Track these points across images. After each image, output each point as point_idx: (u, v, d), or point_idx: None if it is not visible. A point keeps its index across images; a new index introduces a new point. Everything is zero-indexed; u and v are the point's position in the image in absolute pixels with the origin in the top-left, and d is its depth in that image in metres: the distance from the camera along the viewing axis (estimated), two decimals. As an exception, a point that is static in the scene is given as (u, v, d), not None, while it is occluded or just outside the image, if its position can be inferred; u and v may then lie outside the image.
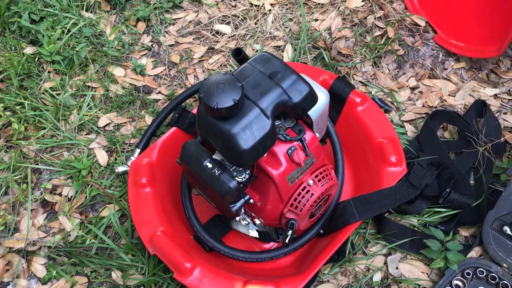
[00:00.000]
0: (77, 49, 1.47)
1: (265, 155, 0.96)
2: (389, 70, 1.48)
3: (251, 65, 0.93)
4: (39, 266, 1.19)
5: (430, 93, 1.43)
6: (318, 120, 1.03)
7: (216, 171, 0.91)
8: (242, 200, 0.96)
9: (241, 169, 0.93)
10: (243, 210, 1.05)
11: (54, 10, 1.57)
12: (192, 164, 0.94)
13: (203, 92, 0.83)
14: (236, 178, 0.92)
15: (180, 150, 0.97)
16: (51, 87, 1.45)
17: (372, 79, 1.46)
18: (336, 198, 1.15)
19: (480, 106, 1.35)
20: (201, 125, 0.90)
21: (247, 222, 1.10)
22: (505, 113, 1.38)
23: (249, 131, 0.85)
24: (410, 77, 1.46)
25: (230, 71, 1.49)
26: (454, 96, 1.42)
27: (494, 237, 1.13)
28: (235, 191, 0.91)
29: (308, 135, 0.98)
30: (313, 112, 0.99)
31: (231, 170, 0.93)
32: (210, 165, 0.92)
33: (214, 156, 0.95)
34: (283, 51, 1.51)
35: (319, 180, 1.01)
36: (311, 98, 0.93)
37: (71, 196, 1.28)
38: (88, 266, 1.17)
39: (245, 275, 1.07)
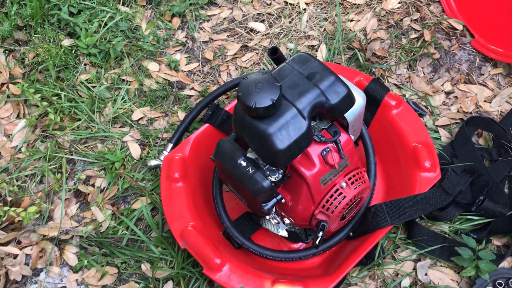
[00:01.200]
0: (113, 42, 1.49)
1: (299, 155, 0.96)
2: (424, 74, 1.46)
3: (289, 65, 0.93)
4: (71, 254, 1.22)
5: (466, 98, 1.41)
6: (353, 123, 1.02)
7: (250, 170, 0.92)
8: (275, 200, 0.96)
9: (274, 168, 0.93)
10: (274, 209, 1.06)
11: (92, 3, 1.60)
12: (226, 162, 0.95)
13: (242, 91, 0.83)
14: (269, 177, 0.92)
15: (215, 147, 0.98)
16: (87, 79, 1.48)
17: (407, 82, 1.44)
18: (367, 201, 1.15)
19: (517, 113, 1.32)
20: (237, 123, 0.91)
21: (277, 221, 1.10)
22: (543, 122, 1.35)
23: (285, 131, 0.85)
24: (445, 82, 1.44)
25: (263, 69, 1.49)
26: (490, 103, 1.39)
27: (528, 248, 1.11)
28: (268, 190, 0.91)
29: (343, 137, 0.98)
30: (349, 114, 0.98)
31: (264, 169, 0.93)
32: (244, 163, 0.93)
33: (248, 155, 0.96)
34: (317, 51, 1.51)
35: (352, 183, 1.00)
36: (349, 100, 0.92)
37: (104, 188, 1.31)
38: (119, 257, 1.19)
39: (273, 273, 1.07)
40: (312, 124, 0.98)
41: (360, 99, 1.01)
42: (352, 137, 1.03)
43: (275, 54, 1.04)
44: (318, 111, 0.91)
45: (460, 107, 1.39)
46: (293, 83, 0.90)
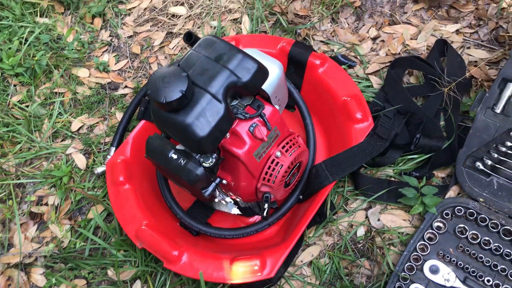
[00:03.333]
0: (37, 58, 1.47)
1: (228, 136, 0.97)
2: (348, 24, 1.47)
3: (196, 52, 0.93)
4: (38, 276, 1.23)
5: (392, 40, 1.42)
6: (275, 93, 1.03)
7: (182, 161, 0.93)
8: (213, 184, 0.98)
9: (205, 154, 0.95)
10: (217, 192, 1.08)
11: (8, 22, 1.56)
12: (158, 158, 0.96)
13: (150, 89, 0.84)
14: (203, 164, 0.94)
15: (145, 146, 0.99)
16: (19, 100, 1.46)
17: (333, 36, 1.45)
18: (310, 163, 1.17)
19: (442, 45, 1.35)
20: (157, 121, 0.91)
21: (227, 202, 1.13)
22: (468, 48, 1.38)
23: (203, 118, 0.86)
24: (370, 28, 1.45)
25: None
26: (416, 39, 1.42)
27: (468, 174, 1.16)
28: (203, 177, 0.93)
29: (267, 109, 0.99)
30: (267, 86, 1.00)
31: (196, 157, 0.95)
32: (175, 156, 0.94)
33: (177, 147, 0.97)
34: (240, 24, 1.51)
35: (286, 151, 1.02)
36: (261, 74, 0.93)
37: (57, 204, 1.31)
38: (85, 268, 1.21)
39: (233, 252, 1.10)
40: (234, 103, 0.99)
41: (275, 68, 1.02)
42: (277, 107, 1.05)
43: (190, 39, 1.04)
44: (233, 91, 0.92)
45: (388, 50, 1.41)
46: (202, 68, 0.90)
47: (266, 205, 1.04)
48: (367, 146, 1.12)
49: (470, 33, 1.41)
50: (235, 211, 1.16)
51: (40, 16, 1.63)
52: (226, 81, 0.89)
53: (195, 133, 0.86)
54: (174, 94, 0.83)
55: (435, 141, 1.18)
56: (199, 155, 0.95)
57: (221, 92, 0.88)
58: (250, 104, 0.99)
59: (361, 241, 1.16)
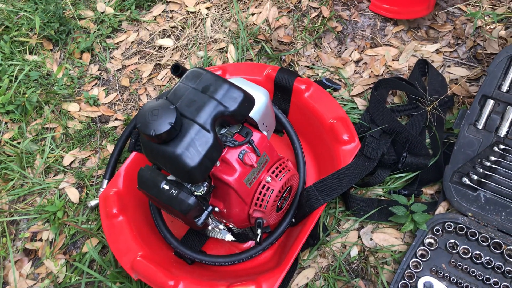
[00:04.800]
0: (27, 95, 1.49)
1: (219, 164, 0.99)
2: (331, 49, 1.51)
3: (183, 84, 0.96)
4: (35, 313, 1.23)
5: (375, 62, 1.46)
6: (262, 119, 1.06)
7: (174, 191, 0.95)
8: (206, 212, 0.99)
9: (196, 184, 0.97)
10: (210, 220, 1.09)
11: (-3, 61, 1.59)
12: (150, 189, 0.98)
13: (140, 122, 0.86)
14: (195, 193, 0.95)
15: (137, 178, 1.00)
16: (10, 138, 1.47)
17: (317, 61, 1.49)
18: (301, 186, 1.19)
19: (423, 65, 1.39)
20: (147, 153, 0.93)
21: (220, 229, 1.14)
22: (448, 66, 1.42)
23: (192, 148, 0.88)
24: (352, 51, 1.49)
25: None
26: (398, 60, 1.46)
27: (456, 189, 1.18)
28: (195, 206, 0.94)
29: (256, 136, 1.02)
30: (254, 114, 1.02)
31: (188, 187, 0.96)
32: (167, 187, 0.95)
33: (169, 177, 0.98)
34: (226, 53, 1.54)
35: (276, 175, 1.04)
36: (248, 102, 0.96)
37: (52, 239, 1.32)
38: (81, 303, 1.21)
39: (228, 279, 1.11)
40: (223, 132, 1.01)
41: (261, 96, 1.05)
42: (265, 133, 1.07)
43: (177, 70, 1.06)
44: (221, 120, 0.94)
45: (371, 71, 1.44)
46: (190, 100, 0.93)
47: (259, 231, 1.05)
48: (356, 167, 1.15)
49: (450, 52, 1.45)
50: (229, 237, 1.17)
51: (29, 54, 1.65)
52: (213, 111, 0.91)
53: (185, 163, 0.88)
54: (163, 127, 0.85)
55: (421, 159, 1.21)
56: (190, 184, 0.97)
57: (209, 122, 0.91)
58: (239, 132, 1.01)
59: (355, 261, 1.17)
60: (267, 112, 1.07)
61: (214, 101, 0.92)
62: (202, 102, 0.92)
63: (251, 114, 1.01)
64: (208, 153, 0.90)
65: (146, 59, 1.60)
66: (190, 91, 0.94)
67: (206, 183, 0.98)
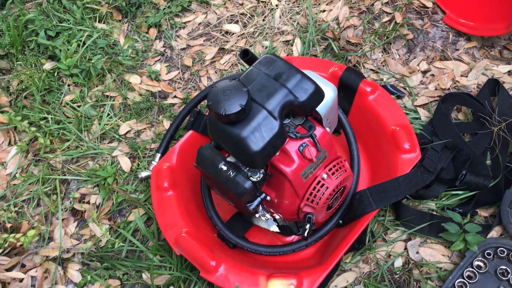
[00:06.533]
0: (93, 61, 1.52)
1: (278, 153, 0.99)
2: (399, 56, 1.48)
3: (256, 68, 0.96)
4: (74, 272, 1.26)
5: (442, 75, 1.43)
6: (327, 115, 1.05)
7: (231, 173, 0.95)
8: (259, 199, 0.99)
9: (255, 169, 0.96)
10: (260, 208, 1.09)
11: (68, 24, 1.63)
12: (208, 168, 0.98)
13: (211, 100, 0.86)
14: (251, 178, 0.96)
15: (196, 155, 1.01)
16: (71, 100, 1.51)
17: (383, 66, 1.47)
18: (353, 189, 1.17)
19: (493, 85, 1.34)
20: (212, 131, 0.94)
21: (267, 218, 1.14)
22: (520, 89, 1.37)
23: (258, 133, 0.88)
24: (421, 61, 1.46)
25: (242, 70, 1.52)
26: (467, 77, 1.42)
27: (513, 215, 1.14)
28: (250, 191, 0.94)
29: (318, 131, 1.01)
30: (321, 108, 1.01)
31: (245, 171, 0.96)
32: (225, 168, 0.96)
33: (228, 159, 0.99)
34: (292, 46, 1.53)
35: (333, 173, 1.03)
36: (317, 95, 0.95)
37: (99, 204, 1.34)
38: (120, 269, 1.23)
39: (269, 268, 1.11)
40: (287, 122, 1.01)
41: (330, 91, 1.03)
42: (328, 129, 1.06)
43: (246, 56, 1.07)
44: (288, 109, 0.93)
45: (438, 84, 1.41)
46: (261, 85, 0.92)
47: (307, 226, 1.04)
48: (413, 177, 1.12)
49: (523, 75, 1.40)
50: (274, 228, 1.17)
51: (99, 22, 1.69)
52: (283, 99, 0.91)
53: (249, 147, 0.88)
54: (233, 108, 0.85)
55: (481, 179, 1.17)
56: (247, 169, 0.97)
57: (278, 109, 0.90)
58: (302, 124, 1.01)
59: (398, 272, 1.15)
60: (333, 108, 1.06)
61: (285, 90, 0.92)
62: (273, 89, 0.92)
63: (317, 108, 1.01)
64: (272, 140, 0.89)
65: (211, 42, 1.61)
66: (262, 77, 0.94)
67: (263, 170, 0.98)
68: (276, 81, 0.93)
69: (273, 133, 0.89)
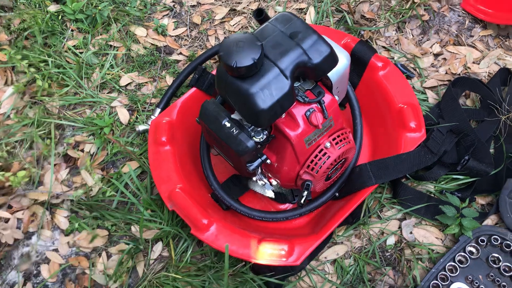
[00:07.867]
0: (100, 8, 1.47)
1: (283, 116, 0.96)
2: (413, 36, 1.45)
3: (272, 25, 0.92)
4: (62, 218, 1.24)
5: (454, 60, 1.40)
6: (338, 83, 1.02)
7: (234, 130, 0.92)
8: (259, 160, 0.97)
9: (259, 129, 0.94)
10: (259, 170, 1.07)
11: (77, -33, 1.57)
12: (211, 123, 0.95)
13: (223, 51, 0.83)
14: (253, 138, 0.93)
15: (200, 109, 0.98)
16: (74, 45, 1.47)
17: (395, 44, 1.44)
18: (353, 162, 1.16)
19: (505, 75, 1.32)
20: (220, 84, 0.91)
21: (263, 183, 1.12)
22: (530, 82, 1.35)
23: (267, 91, 0.86)
24: (434, 43, 1.43)
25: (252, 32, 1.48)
26: (479, 64, 1.39)
27: (511, 205, 1.13)
28: (252, 150, 0.92)
29: (327, 98, 0.98)
30: (333, 75, 0.99)
31: (249, 130, 0.94)
32: (228, 124, 0.93)
33: (232, 116, 0.96)
34: (305, 14, 1.50)
35: (336, 143, 1.01)
36: (332, 59, 0.92)
37: (93, 153, 1.32)
38: (109, 219, 1.21)
39: (260, 233, 1.09)
40: (296, 85, 0.98)
41: (344, 59, 1.01)
42: (337, 97, 1.03)
43: (260, 15, 1.03)
44: (300, 70, 0.91)
45: (449, 68, 1.39)
46: (276, 42, 0.89)
47: (305, 193, 1.02)
48: (416, 156, 1.11)
49: (535, 68, 1.38)
50: (270, 193, 1.15)
51: (109, -31, 1.64)
52: (297, 59, 0.88)
53: (257, 104, 0.85)
54: (245, 61, 0.82)
55: (484, 166, 1.16)
56: (251, 128, 0.94)
57: (290, 69, 0.87)
58: (311, 89, 0.98)
59: (389, 250, 1.14)
60: (344, 76, 1.03)
61: (300, 49, 0.89)
62: (287, 47, 0.89)
63: (329, 75, 0.98)
64: (281, 100, 0.87)
65: (222, 2, 1.57)
66: (277, 34, 0.91)
67: (266, 131, 0.95)
68: (291, 40, 0.90)
69: (283, 92, 0.87)
